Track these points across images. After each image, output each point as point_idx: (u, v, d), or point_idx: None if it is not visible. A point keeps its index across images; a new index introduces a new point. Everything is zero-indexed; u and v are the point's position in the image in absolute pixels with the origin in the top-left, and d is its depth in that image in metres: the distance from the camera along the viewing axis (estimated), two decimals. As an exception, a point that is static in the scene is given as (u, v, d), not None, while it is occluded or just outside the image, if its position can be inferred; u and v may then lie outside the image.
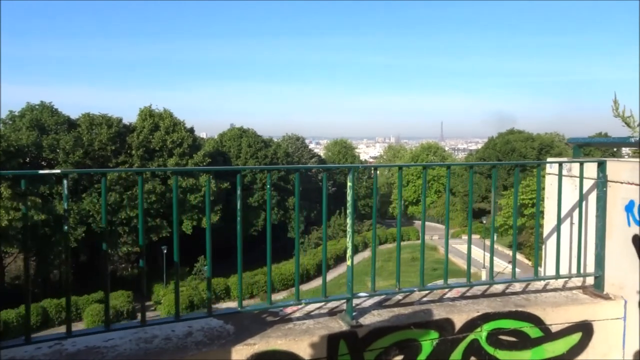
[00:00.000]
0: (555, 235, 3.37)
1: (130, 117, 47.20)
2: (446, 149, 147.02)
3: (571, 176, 3.59)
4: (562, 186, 3.32)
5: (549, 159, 3.88)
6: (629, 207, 3.09)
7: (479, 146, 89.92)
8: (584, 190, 3.36)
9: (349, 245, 2.96)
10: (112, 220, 40.17)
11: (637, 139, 3.21)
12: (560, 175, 3.35)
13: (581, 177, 3.31)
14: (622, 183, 3.15)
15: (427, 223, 76.56)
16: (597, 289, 3.26)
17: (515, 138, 71.47)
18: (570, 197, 3.52)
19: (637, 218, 3.04)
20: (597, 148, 5.95)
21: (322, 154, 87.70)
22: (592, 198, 3.37)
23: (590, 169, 3.37)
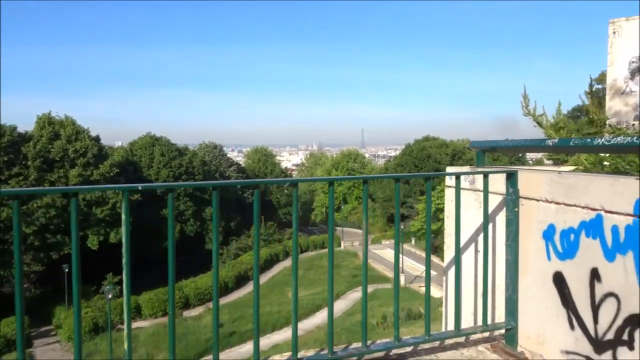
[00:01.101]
0: (453, 269, 2.53)
1: (27, 127, 43.10)
2: (367, 155, 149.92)
3: (474, 190, 2.78)
4: (460, 204, 2.50)
5: (448, 170, 3.07)
6: (547, 234, 2.30)
7: (398, 152, 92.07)
8: (490, 210, 2.55)
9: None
10: (4, 238, 36.23)
11: (556, 141, 2.40)
12: (458, 189, 2.52)
13: (485, 192, 2.49)
14: (538, 201, 2.36)
15: (348, 229, 76.99)
16: (510, 345, 2.44)
17: (430, 144, 73.72)
18: (474, 217, 2.71)
19: (559, 249, 2.25)
20: (507, 154, 5.34)
21: (242, 162, 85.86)
22: (501, 220, 2.57)
23: (498, 182, 2.57)
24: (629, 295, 1.97)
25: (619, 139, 2.16)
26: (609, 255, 2.04)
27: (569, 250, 2.20)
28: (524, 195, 2.43)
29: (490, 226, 2.58)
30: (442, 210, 30.43)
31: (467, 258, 2.73)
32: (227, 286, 40.59)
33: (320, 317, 31.21)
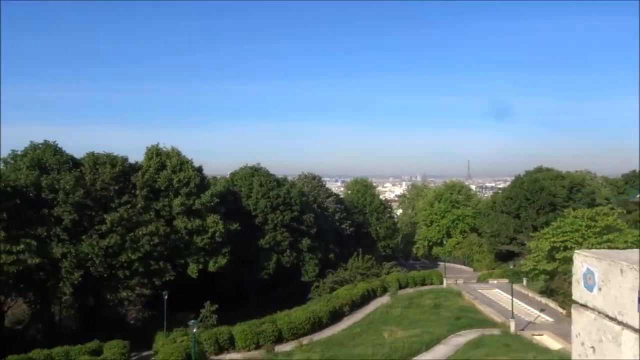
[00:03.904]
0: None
1: (138, 157, 45.74)
2: (473, 187, 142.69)
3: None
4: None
5: None
6: None
7: (507, 184, 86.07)
8: None
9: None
10: (112, 263, 38.09)
11: None
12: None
13: None
14: None
15: (451, 265, 72.51)
16: None
17: (543, 176, 67.69)
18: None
19: None
20: None
21: (342, 194, 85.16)
22: None
23: None
24: None
25: None
26: None
27: None
28: None
29: None
30: (558, 249, 26.48)
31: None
32: (321, 321, 39.05)
33: (418, 363, 28.49)
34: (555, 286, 41.40)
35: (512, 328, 34.10)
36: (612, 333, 2.03)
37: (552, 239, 42.00)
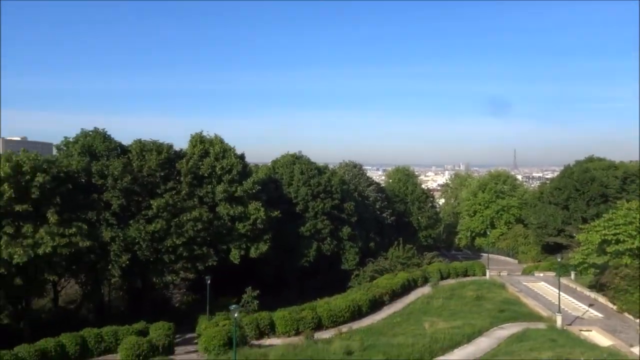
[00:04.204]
0: None
1: (182, 144, 46.69)
2: (519, 177, 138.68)
3: None
4: None
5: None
6: None
7: (555, 175, 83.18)
8: None
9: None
10: (158, 248, 39.21)
11: None
12: None
13: None
14: None
15: (494, 256, 70.95)
16: None
17: (594, 166, 65.00)
18: None
19: None
20: None
21: (383, 182, 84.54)
22: None
23: None
24: None
25: None
26: None
27: None
28: None
29: None
30: (609, 242, 25.34)
31: None
32: (361, 310, 39.02)
33: (459, 354, 28.00)
34: (606, 280, 39.76)
35: (559, 322, 33.01)
36: None
37: (603, 232, 40.31)
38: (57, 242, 33.27)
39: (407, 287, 45.98)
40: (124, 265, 37.07)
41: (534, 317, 36.29)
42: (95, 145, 41.13)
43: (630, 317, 35.68)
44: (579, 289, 44.84)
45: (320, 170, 53.35)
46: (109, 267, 37.23)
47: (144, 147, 41.83)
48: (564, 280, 44.29)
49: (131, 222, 38.59)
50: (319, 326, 35.58)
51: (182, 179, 41.55)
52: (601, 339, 30.31)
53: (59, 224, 34.05)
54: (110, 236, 36.84)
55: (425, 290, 46.16)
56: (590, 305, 39.21)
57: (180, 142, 66.45)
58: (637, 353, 26.36)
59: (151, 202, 39.10)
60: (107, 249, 37.09)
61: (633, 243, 38.23)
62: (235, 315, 20.60)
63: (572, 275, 49.41)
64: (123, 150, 42.68)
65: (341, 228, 51.19)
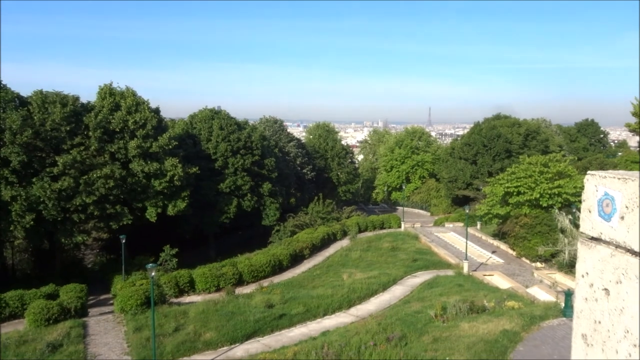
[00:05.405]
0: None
1: (90, 97, 43.52)
2: (433, 134, 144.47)
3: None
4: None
5: None
6: None
7: (466, 131, 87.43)
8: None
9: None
10: (66, 207, 36.96)
11: None
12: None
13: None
14: None
15: (409, 209, 74.25)
16: None
17: (501, 123, 69.01)
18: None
19: None
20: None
21: (304, 138, 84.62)
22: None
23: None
24: None
25: None
26: None
27: None
28: None
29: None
30: (511, 194, 27.41)
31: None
32: (282, 264, 39.59)
33: (375, 302, 29.40)
34: (507, 229, 43.10)
35: (465, 269, 35.55)
36: (637, 271, 1.62)
37: (506, 185, 43.34)
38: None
39: (327, 241, 47.14)
40: (27, 225, 34.63)
41: (443, 265, 38.74)
42: (-13, 96, 37.31)
43: (527, 261, 39.22)
44: (483, 237, 48.30)
45: (240, 125, 52.26)
46: (11, 228, 34.65)
47: (46, 99, 38.52)
48: (470, 230, 47.47)
49: (34, 179, 35.88)
50: (240, 282, 35.75)
51: (90, 133, 38.98)
52: (501, 282, 33.07)
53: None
54: (11, 195, 34.12)
55: (344, 243, 47.59)
56: (493, 252, 42.48)
57: (90, 96, 61.95)
58: (532, 293, 29.09)
59: (56, 158, 36.48)
60: (8, 208, 34.40)
61: (532, 195, 41.52)
62: (153, 273, 20.02)
63: (478, 225, 53.01)
64: (22, 102, 39.05)
65: (262, 184, 50.96)
